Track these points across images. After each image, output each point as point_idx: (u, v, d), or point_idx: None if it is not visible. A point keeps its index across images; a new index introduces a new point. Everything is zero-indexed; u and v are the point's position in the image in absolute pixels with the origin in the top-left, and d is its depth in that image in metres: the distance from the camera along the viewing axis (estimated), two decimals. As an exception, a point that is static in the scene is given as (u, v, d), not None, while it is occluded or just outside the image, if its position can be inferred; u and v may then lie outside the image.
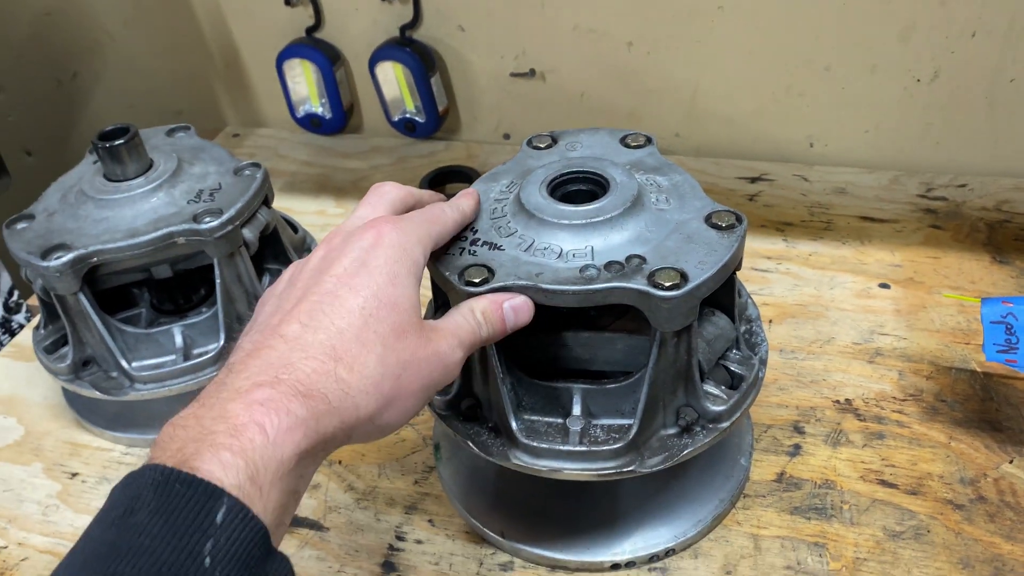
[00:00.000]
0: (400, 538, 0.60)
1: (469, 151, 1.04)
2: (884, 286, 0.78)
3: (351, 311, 0.42)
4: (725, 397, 0.52)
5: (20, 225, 0.64)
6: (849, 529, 0.58)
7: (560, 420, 0.53)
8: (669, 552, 0.57)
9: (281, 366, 0.39)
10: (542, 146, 0.60)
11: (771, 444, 0.64)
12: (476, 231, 0.52)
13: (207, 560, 0.33)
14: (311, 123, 1.07)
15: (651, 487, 0.59)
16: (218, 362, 0.66)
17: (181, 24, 1.07)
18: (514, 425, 0.51)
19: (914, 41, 0.85)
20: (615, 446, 0.50)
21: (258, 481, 0.35)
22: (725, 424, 0.52)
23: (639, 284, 0.47)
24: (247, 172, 0.68)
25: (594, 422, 0.53)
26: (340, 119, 1.06)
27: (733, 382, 0.54)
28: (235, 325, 0.67)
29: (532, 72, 0.98)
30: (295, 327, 0.41)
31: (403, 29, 0.98)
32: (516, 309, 0.47)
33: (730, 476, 0.60)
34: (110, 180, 0.65)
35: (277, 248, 0.72)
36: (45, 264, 0.60)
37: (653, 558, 0.57)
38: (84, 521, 0.64)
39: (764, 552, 0.57)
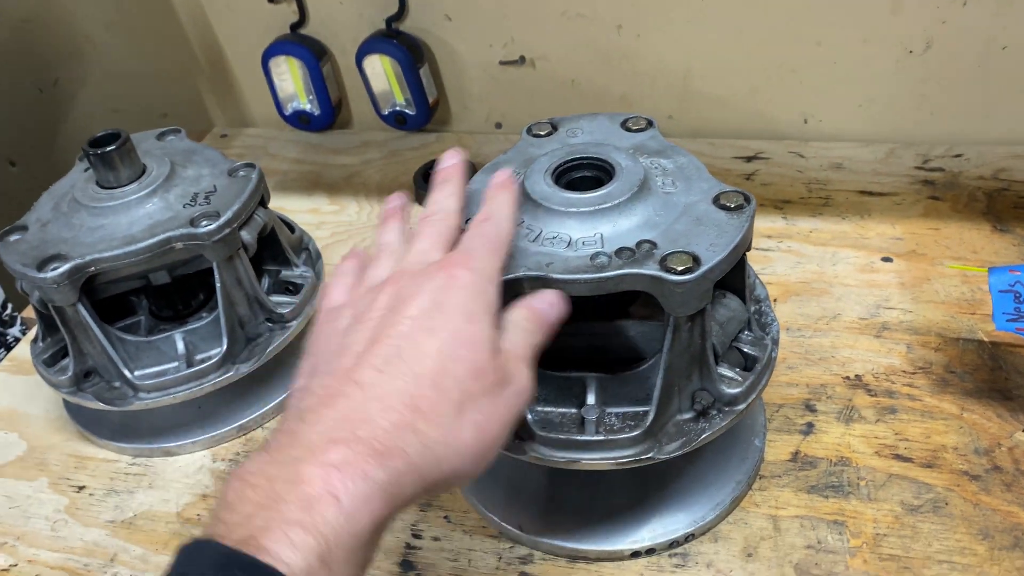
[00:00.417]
0: (417, 536, 0.60)
1: (461, 142, 1.03)
2: (887, 260, 0.77)
3: (429, 355, 0.39)
4: (740, 379, 0.52)
5: (13, 237, 0.63)
6: (867, 505, 0.58)
7: (574, 410, 0.52)
8: (689, 537, 0.57)
9: (358, 420, 0.37)
10: (542, 133, 0.59)
11: (784, 424, 0.64)
12: (482, 223, 0.51)
13: None
14: (300, 120, 1.06)
15: (667, 473, 0.58)
16: (222, 367, 0.65)
17: (163, 25, 1.05)
18: (529, 417, 0.51)
19: (905, 12, 0.84)
20: (632, 434, 0.50)
21: (329, 559, 0.33)
22: (741, 406, 0.52)
23: (651, 270, 0.46)
24: (242, 173, 0.67)
25: (608, 410, 0.52)
26: (329, 115, 1.05)
27: (747, 364, 0.54)
28: (237, 329, 0.66)
29: (522, 59, 0.97)
30: (370, 373, 0.39)
31: (389, 21, 0.97)
32: (552, 304, 0.46)
33: (745, 458, 0.60)
34: (103, 187, 0.64)
35: (275, 249, 0.71)
36: (42, 276, 0.59)
37: (673, 544, 0.56)
38: (94, 535, 0.64)
39: (784, 532, 0.57)
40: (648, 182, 0.51)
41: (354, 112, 1.08)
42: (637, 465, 0.50)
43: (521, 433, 0.51)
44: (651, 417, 0.50)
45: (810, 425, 0.64)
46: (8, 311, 0.91)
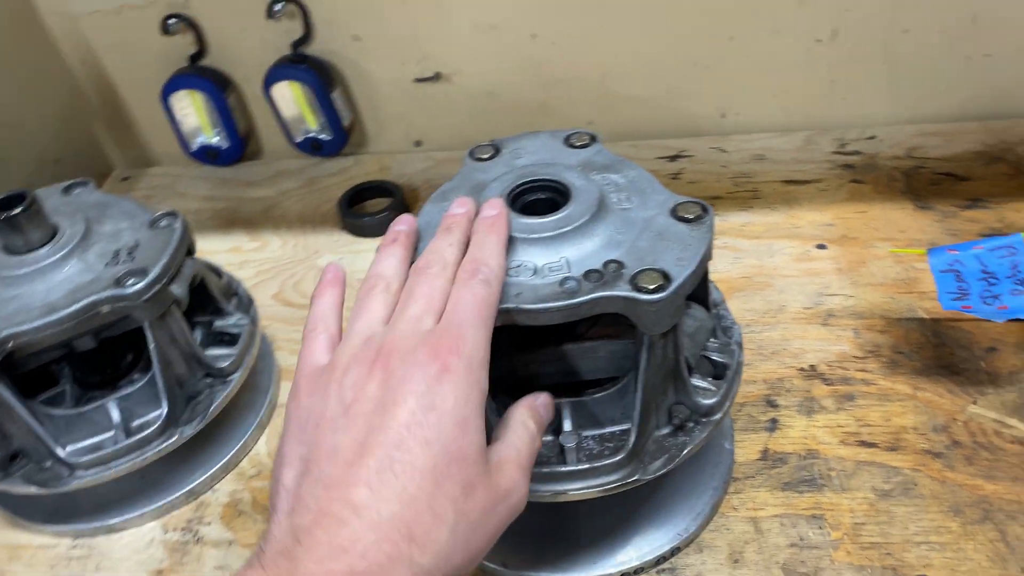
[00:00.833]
0: (396, 586, 0.57)
1: (381, 163, 1.00)
2: (821, 247, 0.79)
3: (423, 472, 0.38)
4: (714, 388, 0.51)
5: (-86, 318, 0.57)
6: (841, 496, 0.58)
7: (551, 438, 0.51)
8: (675, 551, 0.56)
9: (356, 554, 0.36)
10: (485, 157, 0.57)
11: (748, 423, 0.64)
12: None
13: None
14: (207, 155, 1.01)
15: (644, 489, 0.57)
16: (164, 432, 0.61)
17: (47, 66, 0.98)
18: (508, 453, 0.49)
19: (811, 2, 0.86)
20: (616, 458, 0.49)
21: None
22: (718, 415, 0.51)
23: (623, 291, 0.45)
24: (164, 223, 0.63)
25: (584, 434, 0.51)
26: (238, 147, 1.00)
27: (716, 371, 0.53)
28: (176, 389, 0.62)
29: (437, 75, 0.95)
30: (364, 492, 0.38)
31: (295, 45, 0.93)
32: (547, 407, 0.48)
33: (718, 463, 0.60)
34: (12, 254, 0.59)
35: (205, 298, 0.67)
36: (-46, 358, 0.54)
37: (660, 560, 0.56)
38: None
39: (765, 534, 0.57)
40: (604, 200, 0.50)
41: (264, 142, 1.04)
42: (625, 489, 0.49)
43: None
44: (632, 439, 0.49)
45: (774, 421, 0.64)
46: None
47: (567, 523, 0.57)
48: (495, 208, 0.48)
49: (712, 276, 0.76)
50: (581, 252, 0.48)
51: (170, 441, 0.61)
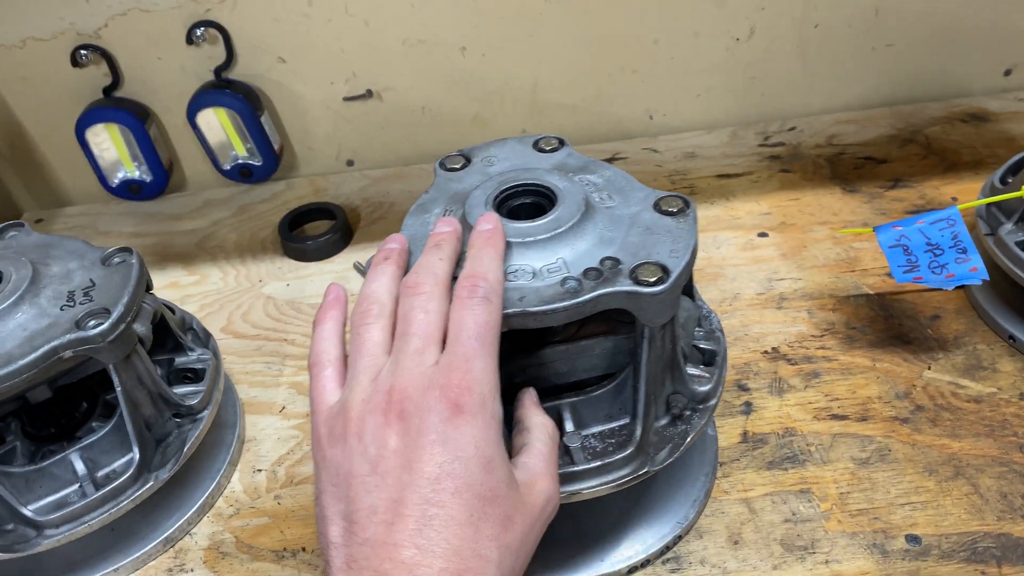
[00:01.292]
0: (402, 609, 0.56)
1: (315, 185, 0.98)
2: (763, 235, 0.82)
3: (460, 523, 0.39)
4: (708, 375, 0.53)
5: None
6: (824, 469, 0.61)
7: (555, 440, 0.51)
8: (677, 540, 0.57)
9: None
10: (457, 167, 0.57)
11: (725, 408, 0.66)
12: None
13: None
14: (129, 190, 0.96)
15: (642, 482, 0.58)
16: (138, 480, 0.58)
17: (-56, 107, 0.92)
18: (517, 459, 0.49)
19: (729, 3, 0.90)
20: (625, 452, 0.49)
21: None
22: (713, 401, 0.53)
23: (625, 286, 0.46)
24: (117, 260, 0.60)
25: (585, 432, 0.52)
26: (162, 180, 0.96)
27: (706, 358, 0.55)
28: (145, 433, 0.59)
29: (369, 93, 0.94)
30: (411, 552, 0.38)
31: (218, 71, 0.91)
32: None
33: (705, 449, 0.61)
34: (-44, 304, 0.55)
35: (165, 335, 0.64)
36: (-94, 422, 0.49)
37: (665, 550, 0.56)
38: None
39: (759, 513, 0.58)
40: (590, 200, 0.51)
41: (187, 172, 1.00)
42: (636, 482, 0.50)
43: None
44: (639, 432, 0.49)
45: (748, 404, 0.66)
46: None
47: (568, 524, 0.57)
48: (490, 222, 0.48)
49: (665, 271, 0.79)
50: (576, 252, 0.48)
51: (145, 488, 0.58)
